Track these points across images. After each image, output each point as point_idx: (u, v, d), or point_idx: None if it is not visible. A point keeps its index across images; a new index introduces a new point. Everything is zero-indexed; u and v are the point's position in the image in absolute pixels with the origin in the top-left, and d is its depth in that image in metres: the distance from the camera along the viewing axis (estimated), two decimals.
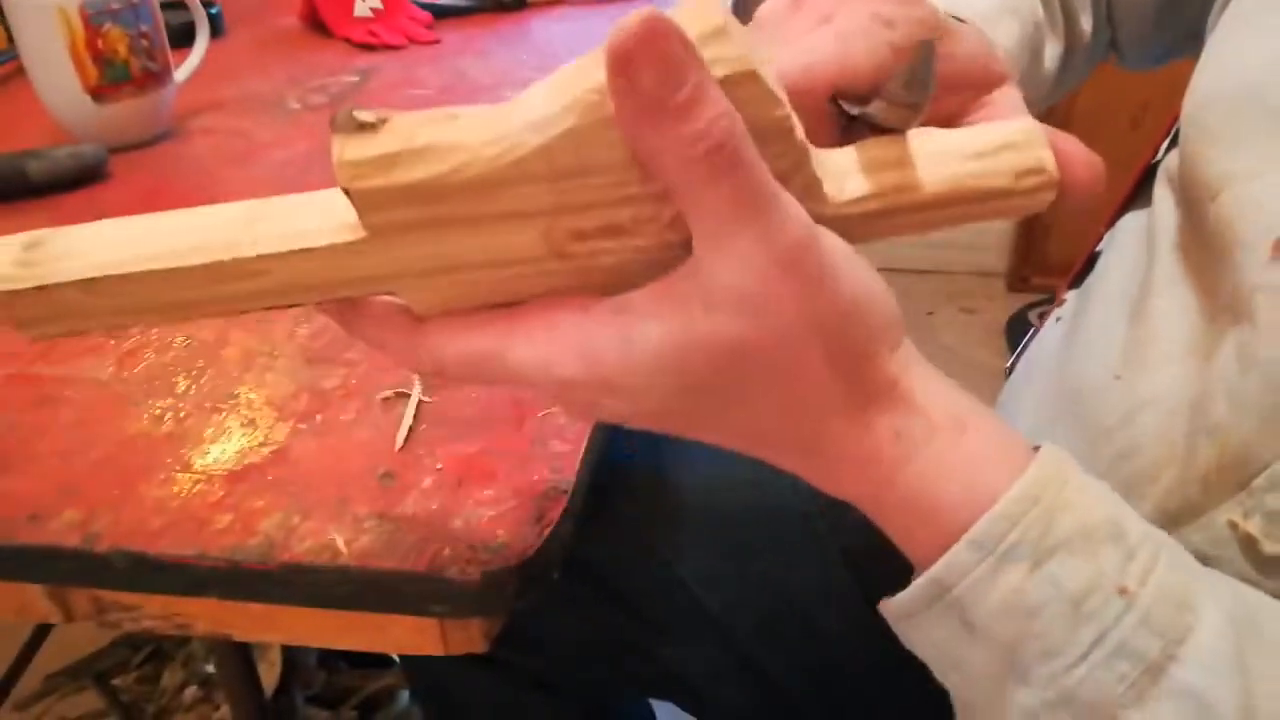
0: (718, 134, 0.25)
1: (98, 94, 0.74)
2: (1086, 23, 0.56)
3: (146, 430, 0.46)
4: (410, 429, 0.45)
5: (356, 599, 0.38)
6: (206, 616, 0.42)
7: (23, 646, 1.22)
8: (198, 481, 0.42)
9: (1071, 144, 0.33)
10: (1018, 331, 1.99)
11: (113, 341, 0.53)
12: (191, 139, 0.80)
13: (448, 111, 0.27)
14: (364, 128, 0.26)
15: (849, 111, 0.33)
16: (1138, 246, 0.46)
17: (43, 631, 1.25)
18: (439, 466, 0.42)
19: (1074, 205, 0.33)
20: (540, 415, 0.45)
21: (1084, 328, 0.49)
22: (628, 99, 0.25)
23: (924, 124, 0.38)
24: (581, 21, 1.03)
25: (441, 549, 0.38)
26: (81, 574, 0.40)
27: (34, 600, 0.42)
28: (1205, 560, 0.36)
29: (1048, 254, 2.12)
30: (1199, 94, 0.42)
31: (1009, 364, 0.61)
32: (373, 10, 1.02)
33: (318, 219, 0.29)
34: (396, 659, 1.16)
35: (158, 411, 0.47)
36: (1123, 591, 0.28)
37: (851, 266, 0.29)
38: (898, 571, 0.32)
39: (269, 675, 1.16)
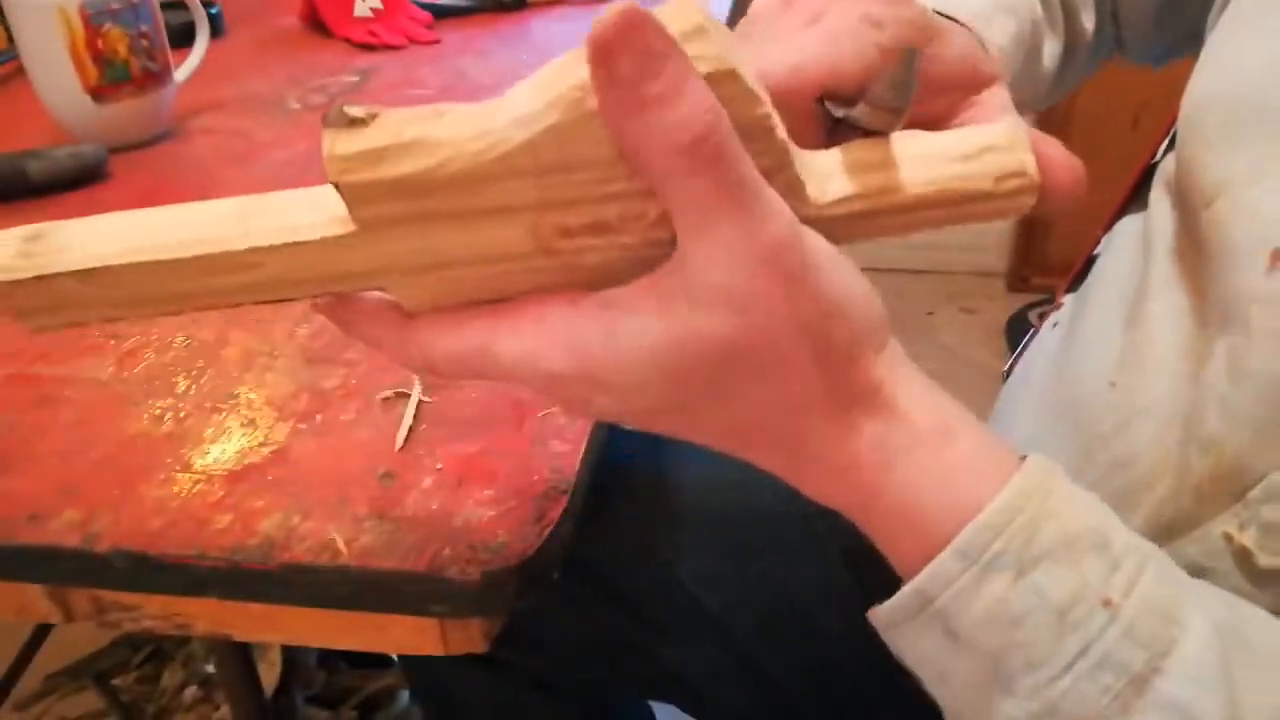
0: (699, 125, 0.25)
1: (98, 94, 0.74)
2: (1088, 21, 0.56)
3: (146, 430, 0.46)
4: (410, 429, 0.45)
5: (356, 599, 0.38)
6: (206, 616, 0.42)
7: (23, 646, 1.22)
8: (198, 481, 0.42)
9: (1053, 148, 0.33)
10: (1018, 331, 1.99)
11: (113, 341, 0.53)
12: (191, 139, 0.80)
13: (436, 108, 0.27)
14: (354, 123, 0.27)
15: (834, 114, 0.33)
16: (1134, 250, 0.46)
17: (43, 631, 1.25)
18: (439, 466, 0.42)
19: (1055, 209, 0.33)
20: (540, 415, 0.45)
21: (1080, 332, 0.49)
22: (609, 90, 0.25)
23: (912, 124, 0.38)
24: (581, 22, 1.03)
25: (441, 549, 0.38)
26: (81, 574, 0.40)
27: (34, 600, 0.42)
28: (1200, 572, 0.36)
29: (1048, 254, 2.12)
30: (1196, 96, 0.41)
31: (1006, 367, 0.61)
32: (373, 10, 1.02)
33: (310, 214, 0.29)
34: (396, 659, 1.17)
35: (158, 411, 0.47)
36: (1107, 603, 0.28)
37: (835, 266, 0.29)
38: (897, 572, 0.32)
39: (269, 675, 1.16)
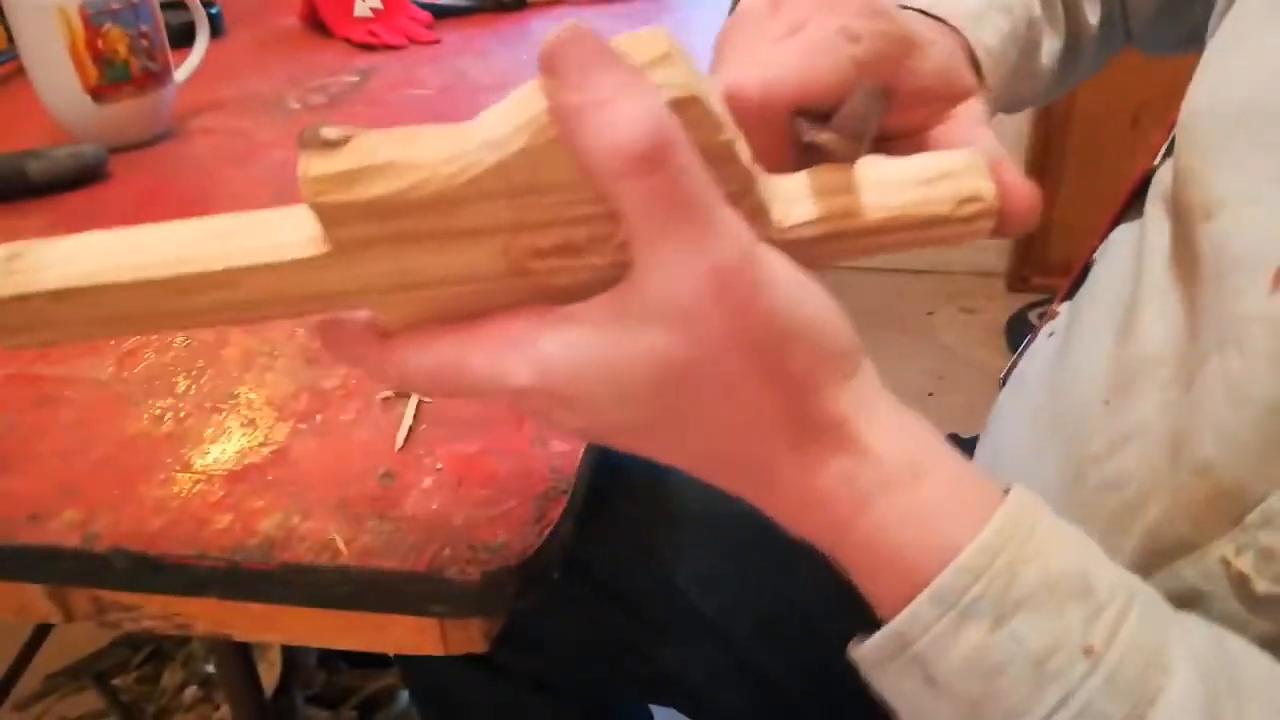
0: (640, 129, 0.25)
1: (98, 94, 0.74)
2: (1092, 15, 0.55)
3: (146, 430, 0.46)
4: (410, 429, 0.45)
5: (356, 599, 0.38)
6: (206, 616, 0.42)
7: (23, 646, 1.22)
8: (198, 481, 0.42)
9: (1010, 174, 0.34)
10: (1018, 331, 1.99)
11: (113, 342, 0.53)
12: (191, 139, 0.80)
13: (409, 131, 0.28)
14: (329, 145, 0.27)
15: (802, 138, 0.34)
16: (1128, 260, 0.46)
17: (43, 631, 1.25)
18: (439, 466, 0.42)
19: (1010, 233, 0.34)
20: None
21: (1074, 346, 0.48)
22: (556, 99, 0.25)
23: (888, 134, 0.39)
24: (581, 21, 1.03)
25: (441, 549, 0.38)
26: (81, 574, 0.40)
27: (34, 600, 0.42)
28: (1197, 596, 0.36)
29: (1048, 254, 2.12)
30: (1196, 105, 0.41)
31: (1003, 374, 0.61)
32: (373, 10, 1.02)
33: (287, 234, 0.29)
34: (394, 659, 1.17)
35: (158, 411, 0.47)
36: (1088, 651, 0.28)
37: (796, 289, 0.28)
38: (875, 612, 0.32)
39: (269, 675, 1.16)
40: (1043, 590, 0.28)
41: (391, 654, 0.66)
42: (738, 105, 0.34)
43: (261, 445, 0.45)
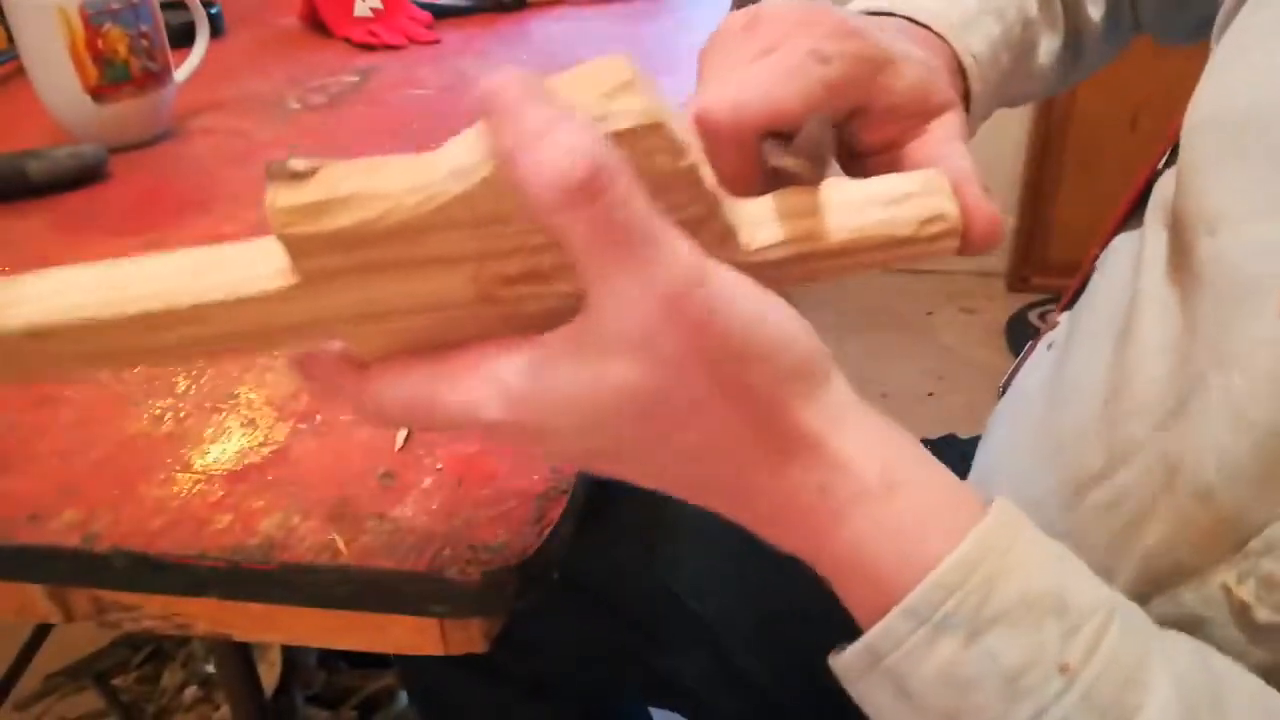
0: (571, 163, 0.24)
1: (98, 94, 0.74)
2: (1095, 11, 0.55)
3: (146, 430, 0.46)
4: (410, 429, 0.45)
5: (356, 599, 0.38)
6: (206, 616, 0.42)
7: (23, 646, 1.22)
8: (198, 481, 0.42)
9: (974, 194, 0.34)
10: (1018, 331, 1.99)
11: None
12: (191, 139, 0.80)
13: (375, 161, 0.28)
14: (296, 176, 0.27)
15: (768, 162, 0.34)
16: (1127, 272, 0.45)
17: (43, 631, 1.25)
18: (439, 466, 0.42)
19: (973, 253, 0.34)
20: None
21: (1072, 359, 0.48)
22: (494, 141, 0.26)
23: (864, 150, 0.39)
24: (581, 21, 1.03)
25: (441, 549, 0.38)
26: (81, 574, 0.40)
27: (34, 600, 0.42)
28: (1197, 623, 0.35)
29: (1048, 254, 2.12)
30: (1200, 115, 0.40)
31: (1002, 382, 0.60)
32: (373, 10, 1.02)
33: (256, 267, 0.29)
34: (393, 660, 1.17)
35: (158, 411, 0.47)
36: (1064, 669, 0.28)
37: (750, 307, 0.28)
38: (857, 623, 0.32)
39: (269, 675, 1.16)
40: (1019, 607, 0.28)
41: (391, 655, 0.66)
42: (708, 128, 0.34)
43: (261, 445, 0.45)
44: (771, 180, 0.34)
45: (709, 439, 0.29)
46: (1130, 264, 0.44)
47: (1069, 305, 0.55)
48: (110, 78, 0.74)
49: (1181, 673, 0.29)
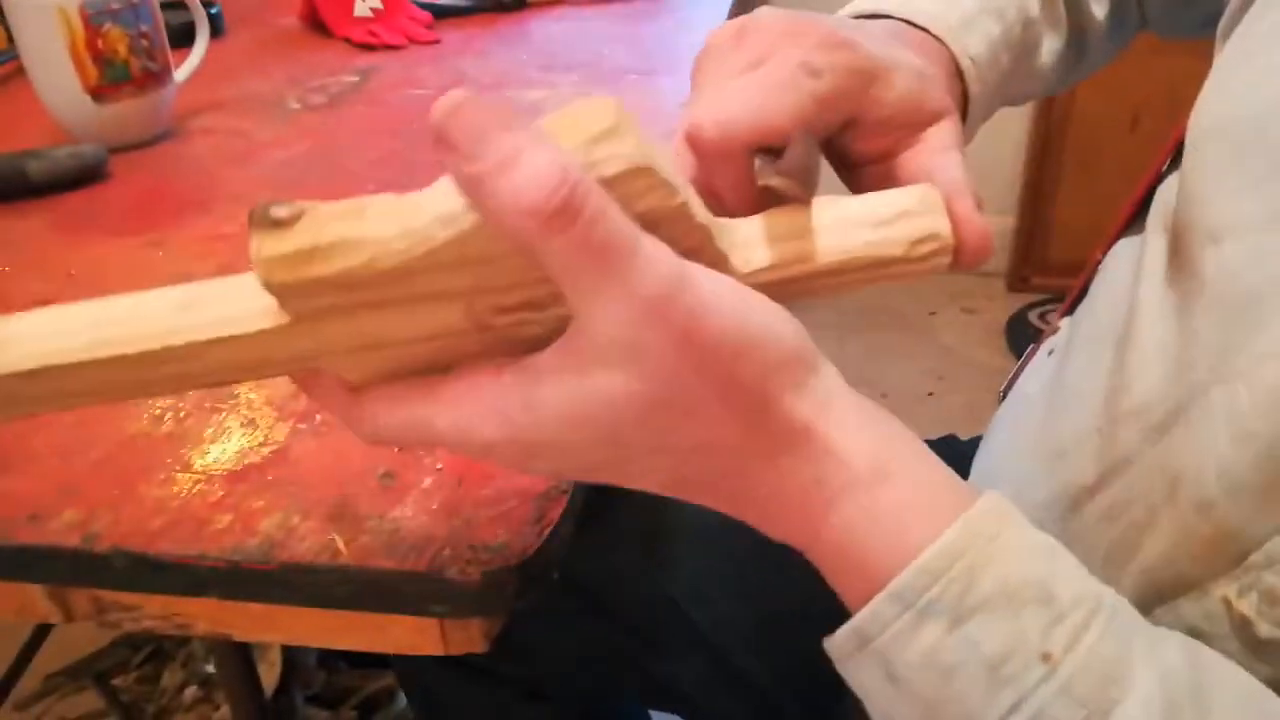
0: (540, 188, 0.24)
1: (98, 94, 0.74)
2: (1099, 9, 0.55)
3: (146, 430, 0.46)
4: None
5: (356, 599, 0.38)
6: (206, 616, 0.42)
7: (23, 646, 1.22)
8: (198, 481, 0.42)
9: (965, 209, 0.34)
10: (1018, 332, 1.99)
11: None
12: (191, 139, 0.80)
13: (359, 203, 0.27)
14: (278, 224, 0.27)
15: (757, 180, 0.34)
16: (1127, 279, 0.44)
17: (43, 631, 1.25)
18: (439, 466, 0.42)
19: (964, 268, 0.34)
20: None
21: (1071, 366, 0.47)
22: (455, 171, 0.25)
23: (857, 161, 0.39)
24: (581, 21, 1.03)
25: (441, 549, 0.38)
26: (81, 574, 0.40)
27: (34, 600, 0.42)
28: (1197, 636, 0.34)
29: (1048, 254, 2.12)
30: (1205, 120, 0.39)
31: (1003, 387, 0.60)
32: (373, 10, 1.02)
33: (247, 302, 0.29)
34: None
35: (158, 411, 0.47)
36: (1046, 657, 0.28)
37: (732, 305, 0.28)
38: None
39: (269, 675, 1.16)
40: (1002, 595, 0.28)
41: (389, 657, 0.66)
42: (699, 147, 0.34)
43: (261, 445, 0.45)
44: (763, 196, 0.34)
45: (703, 438, 0.29)
46: (1131, 270, 0.44)
47: (1070, 310, 0.55)
48: (110, 78, 0.74)
49: (1167, 668, 0.29)
